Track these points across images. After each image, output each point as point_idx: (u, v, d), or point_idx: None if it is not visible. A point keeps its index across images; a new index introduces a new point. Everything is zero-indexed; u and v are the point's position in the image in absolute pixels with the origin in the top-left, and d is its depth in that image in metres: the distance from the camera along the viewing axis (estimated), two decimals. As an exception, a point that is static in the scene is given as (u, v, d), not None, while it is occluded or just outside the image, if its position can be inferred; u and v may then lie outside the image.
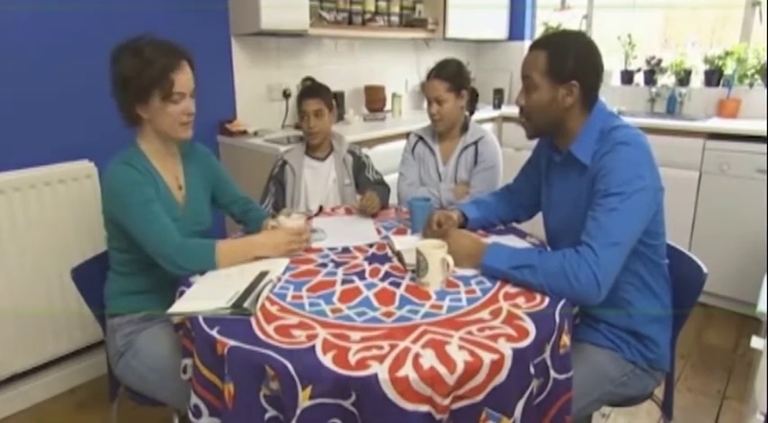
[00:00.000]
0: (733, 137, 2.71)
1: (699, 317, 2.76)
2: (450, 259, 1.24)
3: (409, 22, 3.44)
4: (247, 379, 1.00)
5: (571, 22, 3.83)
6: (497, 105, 3.85)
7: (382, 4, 3.29)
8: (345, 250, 1.52)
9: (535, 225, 1.67)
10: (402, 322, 1.11)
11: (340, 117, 3.06)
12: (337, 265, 1.42)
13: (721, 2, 3.48)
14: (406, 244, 1.48)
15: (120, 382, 1.50)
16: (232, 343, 1.03)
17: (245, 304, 1.16)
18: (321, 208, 1.96)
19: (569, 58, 1.29)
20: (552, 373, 1.10)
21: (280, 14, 2.56)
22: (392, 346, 1.01)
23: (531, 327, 1.08)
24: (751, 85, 3.13)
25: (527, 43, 3.98)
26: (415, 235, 1.63)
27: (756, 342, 1.21)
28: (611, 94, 3.55)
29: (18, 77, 2.06)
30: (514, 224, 1.72)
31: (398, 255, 1.45)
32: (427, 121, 2.09)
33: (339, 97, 3.12)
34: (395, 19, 3.37)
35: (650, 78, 3.50)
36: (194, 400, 1.11)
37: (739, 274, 2.70)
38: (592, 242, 1.20)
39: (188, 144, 1.59)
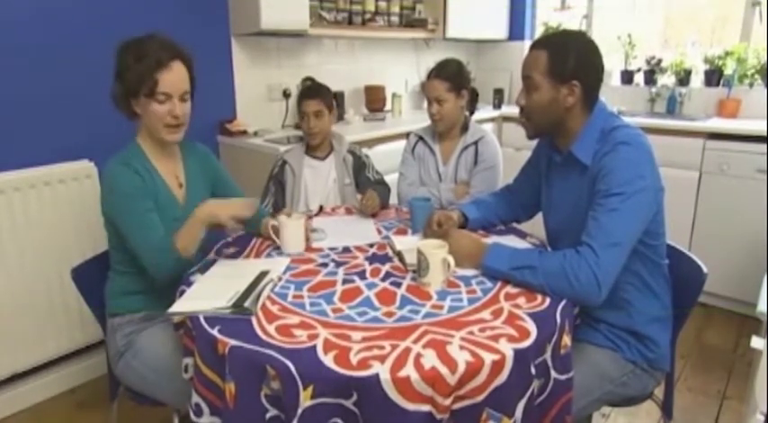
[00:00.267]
0: (733, 137, 2.71)
1: (699, 317, 2.76)
2: (450, 259, 1.24)
3: (409, 22, 3.44)
4: (248, 378, 1.00)
5: (571, 22, 3.84)
6: (497, 105, 3.86)
7: (382, 4, 3.30)
8: (346, 250, 1.52)
9: (535, 225, 1.67)
10: (403, 322, 1.11)
11: (340, 117, 3.06)
12: (338, 264, 1.42)
13: (721, 2, 3.49)
14: (407, 244, 1.48)
15: (120, 382, 1.50)
16: (233, 342, 1.03)
17: (246, 304, 1.16)
18: (321, 208, 1.96)
19: (570, 58, 1.29)
20: (553, 374, 1.10)
21: (280, 14, 2.56)
22: (393, 346, 1.01)
23: (532, 327, 1.08)
24: (751, 85, 3.13)
25: (527, 43, 3.98)
26: (416, 235, 1.63)
27: (756, 342, 1.21)
28: (611, 94, 3.55)
29: (18, 77, 2.05)
30: (515, 224, 1.72)
31: (399, 255, 1.45)
32: (427, 121, 2.09)
33: (339, 97, 3.12)
34: (395, 19, 3.37)
35: (650, 78, 3.51)
36: (195, 399, 1.11)
37: (739, 274, 2.70)
38: (592, 242, 1.20)
39: (188, 142, 1.58)
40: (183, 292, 1.27)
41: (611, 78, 3.67)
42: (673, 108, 3.35)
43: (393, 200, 2.10)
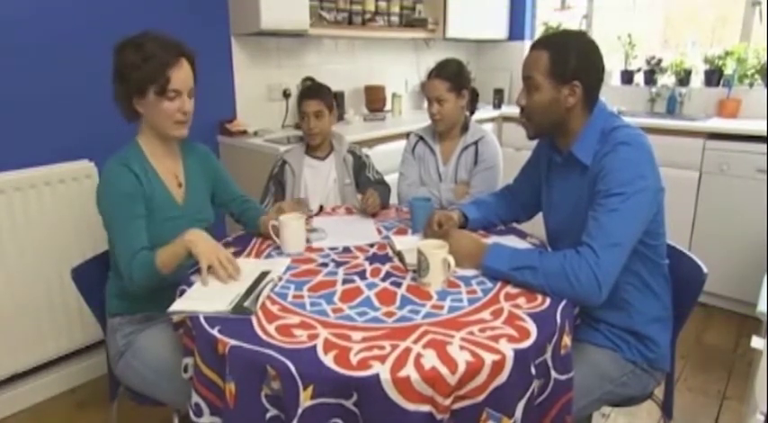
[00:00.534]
0: (733, 137, 2.71)
1: (699, 317, 2.76)
2: (451, 259, 1.24)
3: (409, 22, 3.44)
4: (249, 378, 1.00)
5: (571, 22, 3.84)
6: (497, 105, 3.86)
7: (382, 4, 3.30)
8: (346, 250, 1.52)
9: (536, 225, 1.67)
10: (403, 322, 1.11)
11: (340, 117, 3.06)
12: (338, 264, 1.42)
13: (721, 2, 3.49)
14: (407, 244, 1.48)
15: (120, 382, 1.50)
16: (233, 342, 1.03)
17: (246, 304, 1.16)
18: (321, 207, 1.96)
19: (571, 58, 1.28)
20: (553, 374, 1.10)
21: (280, 14, 2.56)
22: (393, 347, 1.01)
23: (532, 327, 1.08)
24: (751, 85, 3.13)
25: (527, 43, 3.98)
26: (416, 235, 1.63)
27: (756, 342, 1.21)
28: (612, 94, 3.55)
29: (18, 77, 2.05)
30: (515, 224, 1.72)
31: (399, 255, 1.45)
32: (427, 121, 2.09)
33: (339, 97, 3.12)
34: (395, 19, 3.37)
35: (650, 78, 3.51)
36: (195, 399, 1.11)
37: (739, 274, 2.70)
38: (592, 243, 1.20)
39: (188, 142, 1.59)
40: (183, 292, 1.27)
41: (611, 78, 3.67)
42: (673, 108, 3.35)
43: (393, 200, 2.10)
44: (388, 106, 3.48)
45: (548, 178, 1.51)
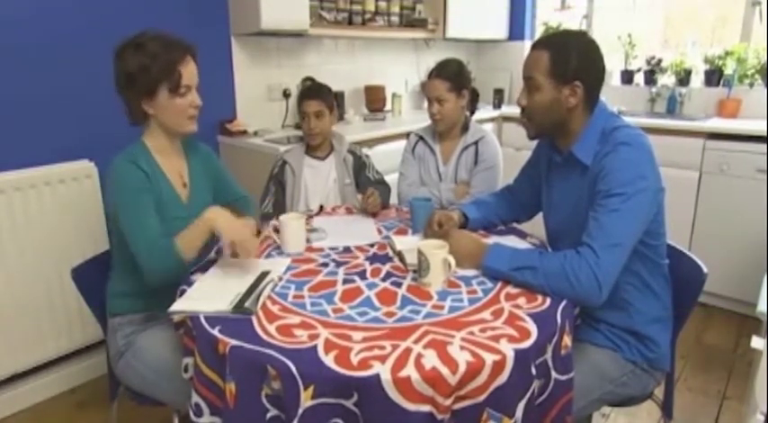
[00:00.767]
0: (733, 137, 2.71)
1: (699, 317, 2.76)
2: (451, 259, 1.24)
3: (409, 22, 3.44)
4: (249, 378, 1.00)
5: (571, 22, 3.84)
6: (497, 105, 3.85)
7: (382, 4, 3.29)
8: (346, 250, 1.52)
9: (536, 225, 1.67)
10: (404, 322, 1.11)
11: (340, 117, 3.06)
12: (338, 264, 1.42)
13: (721, 2, 3.49)
14: (407, 244, 1.48)
15: (120, 382, 1.50)
16: (234, 342, 1.03)
17: (246, 304, 1.16)
18: (322, 207, 1.96)
19: (572, 59, 1.28)
20: (554, 374, 1.10)
21: (280, 14, 2.56)
22: (394, 347, 1.01)
23: (532, 327, 1.08)
24: (751, 85, 3.13)
25: (527, 43, 3.98)
26: (416, 235, 1.63)
27: (756, 342, 1.22)
28: (612, 94, 3.55)
29: (18, 77, 2.05)
30: (515, 224, 1.72)
31: (399, 255, 1.45)
32: (427, 121, 2.09)
33: (339, 97, 3.12)
34: (395, 19, 3.37)
35: (650, 78, 3.51)
36: (195, 398, 1.11)
37: (739, 274, 2.71)
38: (593, 243, 1.20)
39: (191, 142, 1.59)
40: (183, 292, 1.27)
41: (611, 78, 3.67)
42: (673, 108, 3.35)
43: (393, 200, 2.09)
44: (388, 106, 3.48)
45: (548, 178, 1.51)
